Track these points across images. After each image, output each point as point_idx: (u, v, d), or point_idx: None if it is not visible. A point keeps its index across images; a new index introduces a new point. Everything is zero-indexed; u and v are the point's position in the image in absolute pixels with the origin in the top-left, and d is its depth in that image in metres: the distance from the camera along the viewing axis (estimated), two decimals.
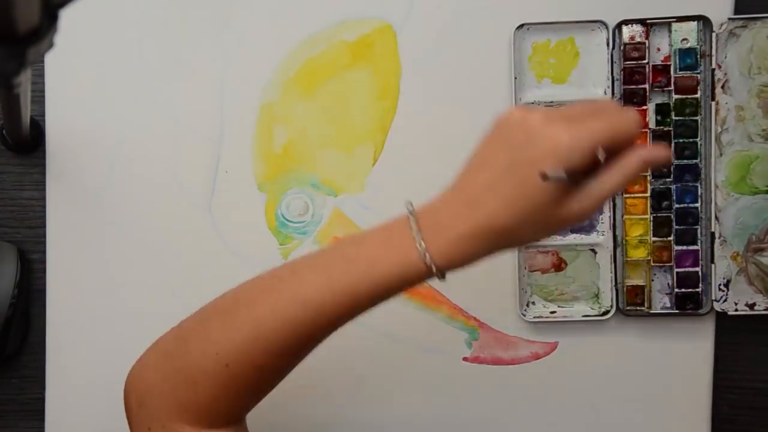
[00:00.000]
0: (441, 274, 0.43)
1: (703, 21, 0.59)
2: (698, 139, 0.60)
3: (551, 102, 0.60)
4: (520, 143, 0.42)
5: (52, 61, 0.61)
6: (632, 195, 0.60)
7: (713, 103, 0.59)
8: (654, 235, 0.60)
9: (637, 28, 0.59)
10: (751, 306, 0.60)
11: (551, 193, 0.41)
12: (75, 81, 0.61)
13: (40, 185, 0.61)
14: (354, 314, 0.44)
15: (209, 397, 0.45)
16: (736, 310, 0.60)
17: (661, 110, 0.60)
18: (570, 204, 0.42)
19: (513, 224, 0.43)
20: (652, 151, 0.42)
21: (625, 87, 0.60)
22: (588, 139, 0.41)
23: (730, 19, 0.59)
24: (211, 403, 0.45)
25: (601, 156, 0.41)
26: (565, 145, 0.40)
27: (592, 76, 0.60)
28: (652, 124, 0.60)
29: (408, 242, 0.43)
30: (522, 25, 0.60)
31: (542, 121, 0.41)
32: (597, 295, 0.61)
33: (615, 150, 0.42)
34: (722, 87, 0.59)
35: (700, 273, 0.60)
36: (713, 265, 0.60)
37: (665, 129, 0.60)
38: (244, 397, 0.46)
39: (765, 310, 0.60)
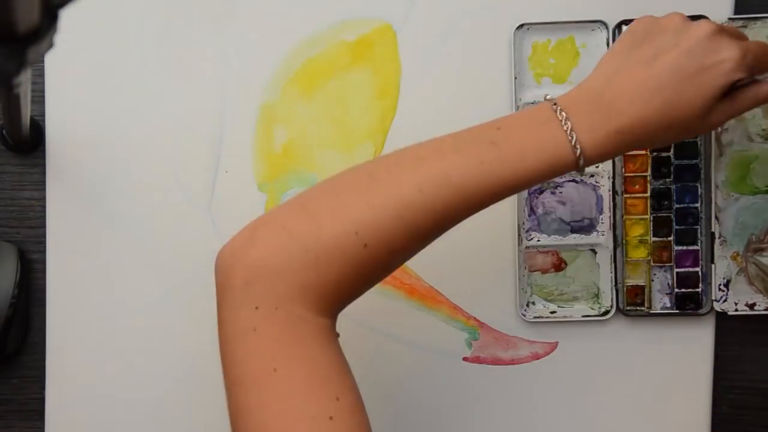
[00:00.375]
0: (584, 167, 0.45)
1: None
2: (698, 139, 0.60)
3: None
4: (692, 49, 0.45)
5: (52, 61, 0.61)
6: (632, 195, 0.60)
7: None
8: (654, 235, 0.60)
9: None
10: (751, 306, 0.60)
11: (710, 101, 0.45)
12: (75, 81, 0.61)
13: (40, 185, 0.61)
14: (494, 201, 0.45)
15: (340, 278, 0.43)
16: (736, 310, 0.60)
17: None
18: (717, 114, 0.46)
19: (665, 125, 0.45)
20: None
21: None
22: (753, 54, 0.45)
23: (730, 19, 0.59)
24: (339, 285, 0.43)
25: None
26: (738, 58, 0.45)
27: None
28: None
29: (560, 136, 0.44)
30: (522, 25, 0.60)
31: (715, 33, 0.45)
32: (597, 295, 0.61)
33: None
34: None
35: (700, 273, 0.60)
36: (713, 265, 0.60)
37: None
38: (370, 281, 0.45)
39: (765, 310, 0.60)
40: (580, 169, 0.45)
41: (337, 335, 0.45)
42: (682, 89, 0.45)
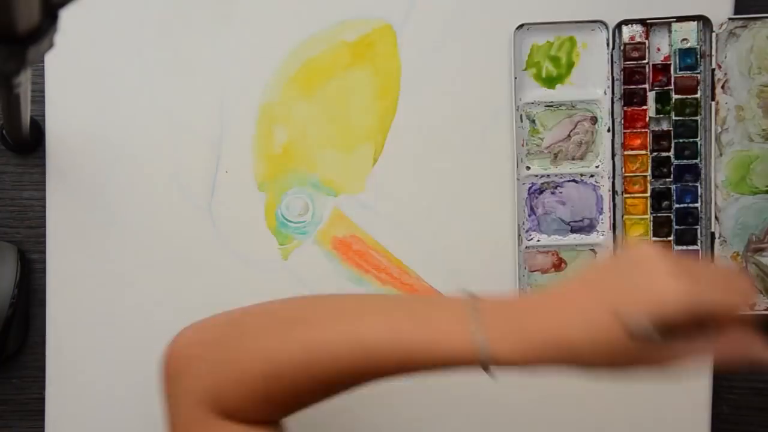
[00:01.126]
0: (490, 370, 0.43)
1: (703, 21, 0.59)
2: (698, 139, 0.60)
3: (551, 102, 0.60)
4: (631, 275, 0.40)
5: (52, 61, 0.61)
6: (632, 195, 0.60)
7: (713, 103, 0.59)
8: (654, 235, 0.60)
9: (637, 28, 0.59)
10: (751, 306, 0.60)
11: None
12: (75, 81, 0.61)
13: (40, 185, 0.61)
14: (399, 373, 0.44)
15: (247, 400, 0.44)
16: None
17: (661, 98, 0.59)
18: (652, 353, 0.41)
19: (589, 349, 0.42)
20: (760, 353, 0.41)
21: (625, 87, 0.60)
22: (699, 303, 0.39)
23: (730, 19, 0.59)
24: (247, 405, 0.44)
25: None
26: (673, 298, 0.38)
27: (592, 76, 0.60)
28: (652, 113, 0.60)
29: (467, 339, 0.42)
30: (522, 25, 0.60)
31: (665, 266, 0.39)
32: None
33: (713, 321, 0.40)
34: (722, 87, 0.60)
35: None
36: None
37: (665, 116, 0.60)
38: (280, 410, 0.46)
39: (765, 310, 0.60)
40: (486, 371, 0.43)
41: None
42: (605, 312, 0.40)
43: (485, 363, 0.42)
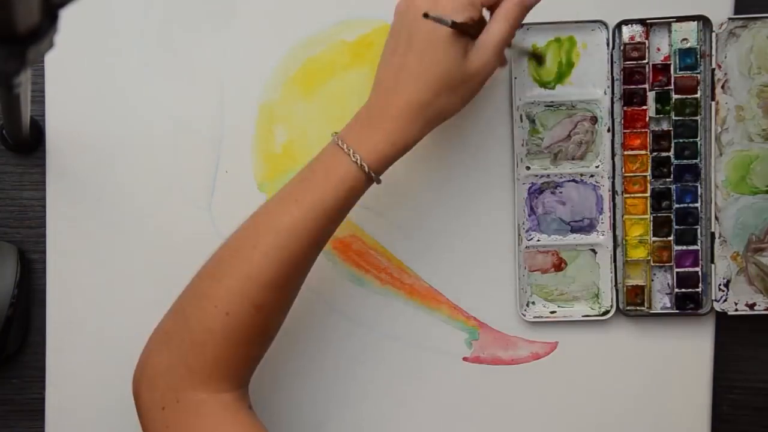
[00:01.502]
0: (377, 177, 0.50)
1: (703, 21, 0.59)
2: (698, 139, 0.60)
3: (551, 102, 0.60)
4: (410, 18, 0.49)
5: (52, 61, 0.61)
6: (632, 195, 0.60)
7: (713, 103, 0.59)
8: (654, 235, 0.60)
9: (637, 28, 0.59)
10: (751, 306, 0.60)
11: (452, 50, 0.48)
12: (75, 81, 0.61)
13: (40, 185, 0.61)
14: (323, 232, 0.50)
15: (217, 354, 0.48)
16: (736, 310, 0.60)
17: (661, 98, 0.59)
18: (471, 60, 0.49)
19: (430, 96, 0.49)
20: None
21: (625, 87, 0.60)
22: (461, 3, 0.47)
23: (730, 19, 0.59)
24: (219, 360, 0.48)
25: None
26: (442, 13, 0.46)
27: (592, 76, 0.60)
28: (652, 113, 0.60)
29: (345, 159, 0.49)
30: (522, 25, 0.60)
31: (419, 2, 0.48)
32: (597, 295, 0.61)
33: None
34: (722, 87, 0.60)
35: (700, 273, 0.60)
36: (713, 265, 0.60)
37: (665, 116, 0.60)
38: (249, 346, 0.49)
39: (765, 310, 0.60)
40: (375, 179, 0.50)
41: (249, 406, 0.50)
42: (417, 58, 0.48)
43: (372, 174, 0.49)
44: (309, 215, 0.49)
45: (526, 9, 0.51)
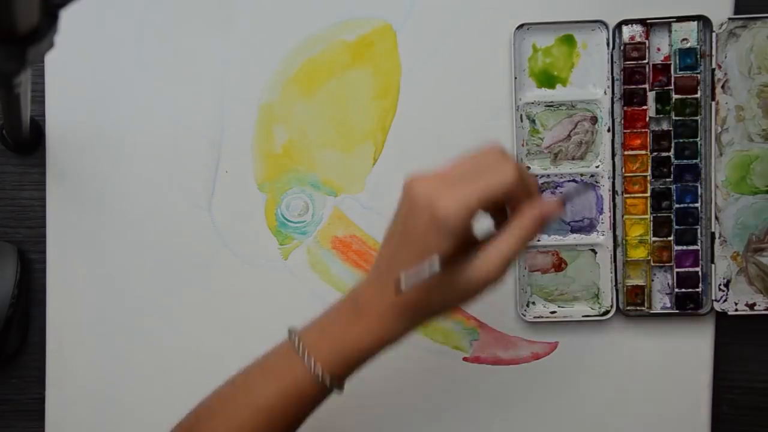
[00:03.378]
0: (339, 385, 0.46)
1: (703, 21, 0.59)
2: (698, 139, 0.60)
3: (551, 102, 0.60)
4: (406, 213, 0.43)
5: (52, 61, 0.61)
6: (632, 195, 0.60)
7: (713, 103, 0.59)
8: (654, 235, 0.60)
9: (637, 28, 0.59)
10: (751, 306, 0.60)
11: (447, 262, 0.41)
12: (75, 81, 0.61)
13: (40, 185, 0.61)
14: (286, 422, 0.46)
15: None
16: (736, 310, 0.60)
17: (661, 98, 0.59)
18: (467, 271, 0.42)
19: (418, 298, 0.43)
20: (545, 207, 0.42)
21: (625, 87, 0.60)
22: (465, 206, 0.41)
23: (730, 19, 0.59)
24: None
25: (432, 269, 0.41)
26: (441, 218, 0.40)
27: (592, 76, 0.60)
28: (652, 113, 0.60)
29: (308, 374, 0.45)
30: (522, 25, 0.60)
31: (421, 190, 0.42)
32: (597, 295, 0.61)
33: (500, 206, 0.43)
34: (722, 87, 0.60)
35: (700, 273, 0.60)
36: (713, 265, 0.60)
37: (665, 116, 0.60)
38: None
39: (765, 310, 0.60)
40: (336, 389, 0.46)
41: None
42: (409, 258, 0.42)
43: (330, 385, 0.45)
44: (256, 418, 0.45)
45: (546, 225, 0.44)
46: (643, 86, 0.60)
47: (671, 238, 0.60)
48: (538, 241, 0.61)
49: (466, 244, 0.43)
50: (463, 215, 0.41)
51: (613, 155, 0.60)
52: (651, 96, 0.60)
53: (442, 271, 0.41)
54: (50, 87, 0.61)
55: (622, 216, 0.60)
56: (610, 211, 0.60)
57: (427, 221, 0.41)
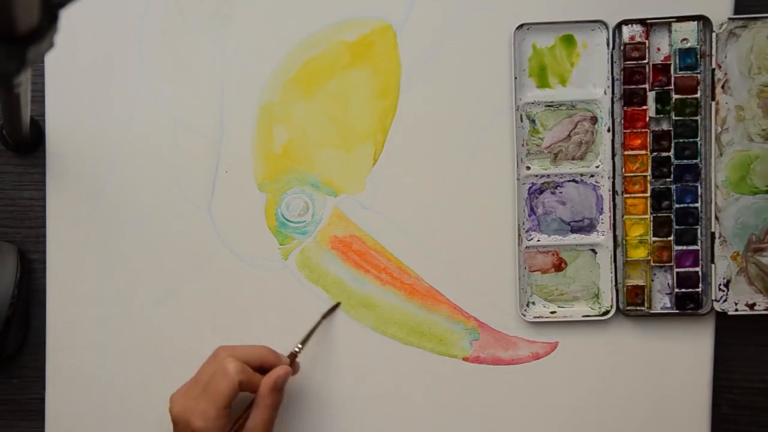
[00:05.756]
0: None
1: (703, 21, 0.59)
2: (698, 139, 0.60)
3: (551, 102, 0.60)
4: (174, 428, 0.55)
5: (52, 61, 0.61)
6: (632, 195, 0.60)
7: (713, 103, 0.59)
8: (654, 235, 0.60)
9: (637, 28, 0.59)
10: (751, 306, 0.60)
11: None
12: (75, 81, 0.61)
13: (40, 185, 0.61)
14: None
15: None
16: (736, 310, 0.60)
17: (661, 98, 0.59)
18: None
19: None
20: (274, 375, 0.54)
21: (625, 87, 0.60)
22: (213, 418, 0.52)
23: (730, 19, 0.59)
24: None
25: None
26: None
27: (592, 76, 0.60)
28: (652, 113, 0.60)
29: None
30: (522, 25, 0.60)
31: (178, 409, 0.54)
32: (597, 295, 0.61)
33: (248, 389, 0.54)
34: (722, 87, 0.60)
35: (700, 273, 0.60)
36: (713, 265, 0.60)
37: (665, 117, 0.60)
38: None
39: (765, 310, 0.60)
40: None
41: None
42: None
43: None
44: None
45: (281, 390, 0.55)
46: (643, 86, 0.60)
47: (671, 238, 0.60)
48: (539, 241, 0.61)
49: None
50: (213, 424, 0.52)
51: (613, 155, 0.60)
52: (651, 96, 0.60)
53: None
54: (50, 87, 0.61)
55: (622, 216, 0.60)
56: (610, 211, 0.60)
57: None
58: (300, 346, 0.58)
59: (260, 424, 0.54)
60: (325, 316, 0.60)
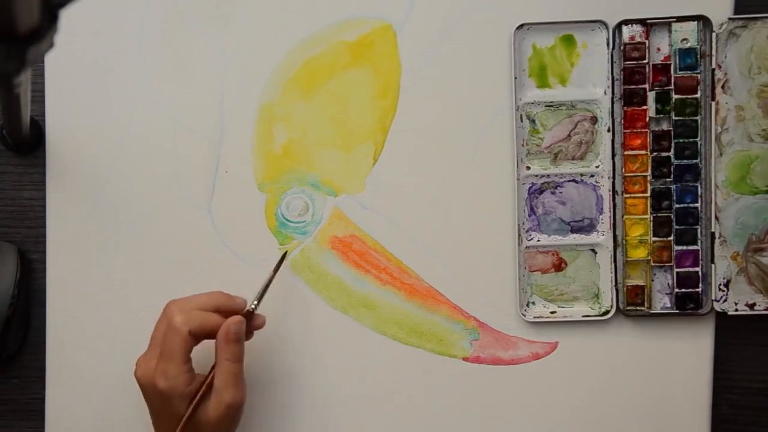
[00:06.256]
0: None
1: (703, 21, 0.59)
2: (698, 139, 0.60)
3: (551, 102, 0.60)
4: (143, 394, 0.56)
5: (52, 61, 0.61)
6: (632, 195, 0.60)
7: (713, 103, 0.59)
8: (654, 235, 0.60)
9: (637, 28, 0.59)
10: (751, 306, 0.60)
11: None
12: (75, 81, 0.61)
13: (40, 185, 0.61)
14: None
15: None
16: (736, 310, 0.60)
17: (661, 98, 0.59)
18: (209, 410, 0.53)
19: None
20: (224, 327, 0.53)
21: (625, 87, 0.60)
22: (174, 376, 0.53)
23: (730, 19, 0.59)
24: None
25: None
26: (165, 389, 0.53)
27: (592, 76, 0.60)
28: (652, 113, 0.60)
29: None
30: (522, 25, 0.60)
31: (142, 372, 0.54)
32: (597, 295, 0.61)
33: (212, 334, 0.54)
34: (722, 87, 0.60)
35: (700, 273, 0.60)
36: (713, 265, 0.60)
37: (665, 116, 0.60)
38: None
39: (765, 310, 0.60)
40: None
41: None
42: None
43: None
44: None
45: (237, 341, 0.54)
46: (643, 86, 0.60)
47: (671, 238, 0.60)
48: (539, 241, 0.61)
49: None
50: (176, 382, 0.52)
51: (613, 155, 0.60)
52: (651, 96, 0.60)
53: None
54: (50, 87, 0.61)
55: (622, 216, 0.60)
56: (610, 211, 0.60)
57: (159, 394, 0.53)
58: (255, 303, 0.57)
59: (224, 380, 0.53)
60: (276, 270, 0.59)
